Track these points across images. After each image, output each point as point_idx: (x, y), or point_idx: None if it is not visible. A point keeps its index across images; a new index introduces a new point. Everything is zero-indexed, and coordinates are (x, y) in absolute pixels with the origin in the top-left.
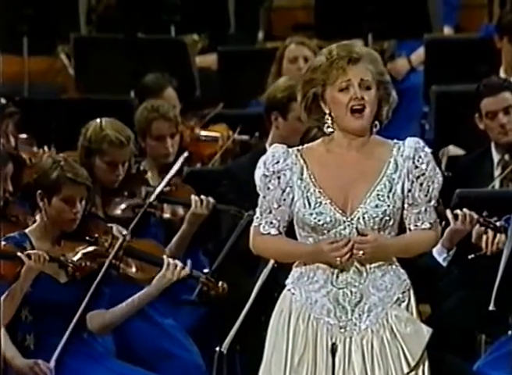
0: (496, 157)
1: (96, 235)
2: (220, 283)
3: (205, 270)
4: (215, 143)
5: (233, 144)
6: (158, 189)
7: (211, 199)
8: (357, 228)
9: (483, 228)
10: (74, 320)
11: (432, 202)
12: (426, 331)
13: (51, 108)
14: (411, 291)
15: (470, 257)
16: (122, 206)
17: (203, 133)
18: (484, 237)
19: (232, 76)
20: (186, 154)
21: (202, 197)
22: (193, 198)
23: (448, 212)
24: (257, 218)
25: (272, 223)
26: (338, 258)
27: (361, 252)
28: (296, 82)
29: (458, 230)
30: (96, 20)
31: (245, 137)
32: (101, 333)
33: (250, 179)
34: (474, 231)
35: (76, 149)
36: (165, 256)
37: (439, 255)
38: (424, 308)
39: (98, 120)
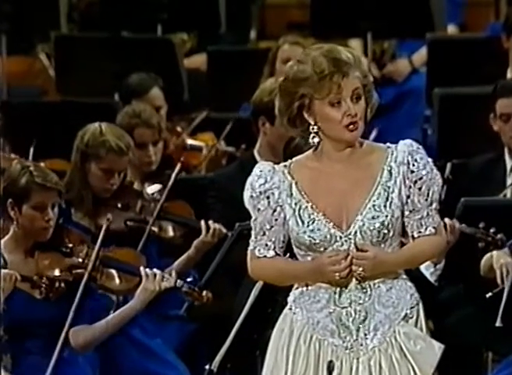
0: (509, 163)
1: (71, 245)
2: (204, 292)
3: (188, 279)
4: (200, 152)
5: (219, 155)
6: (159, 204)
7: (222, 228)
8: (355, 243)
9: (483, 244)
10: (61, 339)
11: (434, 205)
12: (438, 348)
13: (31, 112)
14: (420, 306)
15: (488, 296)
16: (115, 218)
17: (189, 141)
18: (498, 272)
19: (222, 78)
20: (178, 167)
21: (215, 225)
22: (203, 224)
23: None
24: (252, 241)
25: (266, 245)
26: (337, 274)
27: (360, 269)
28: None
29: None
30: (78, 18)
31: (231, 149)
32: (86, 350)
33: (238, 188)
34: (482, 264)
35: (56, 156)
36: (141, 267)
37: (426, 269)
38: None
39: (97, 124)
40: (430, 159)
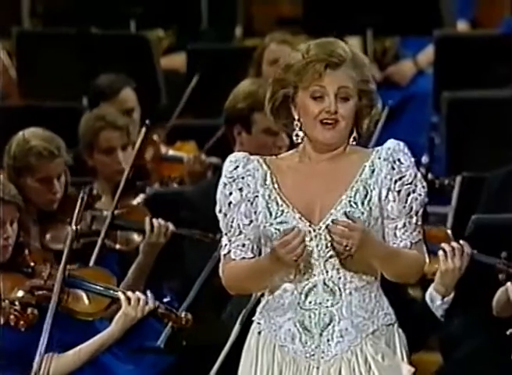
0: None
1: (32, 264)
2: (183, 314)
3: (165, 299)
4: (180, 164)
5: (202, 167)
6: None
7: (170, 225)
8: (345, 212)
9: (505, 276)
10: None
11: (414, 219)
12: (407, 371)
13: None
14: (395, 328)
15: (508, 333)
16: (64, 236)
17: (167, 151)
18: None
19: (203, 79)
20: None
21: (160, 221)
22: (147, 222)
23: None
24: (226, 245)
25: (244, 245)
26: (292, 255)
27: (350, 242)
28: (259, 87)
29: (448, 270)
30: (42, 12)
31: (215, 160)
32: None
33: (212, 206)
34: (494, 301)
35: None
36: (120, 293)
37: (432, 301)
38: (435, 358)
39: (21, 132)
40: (414, 164)
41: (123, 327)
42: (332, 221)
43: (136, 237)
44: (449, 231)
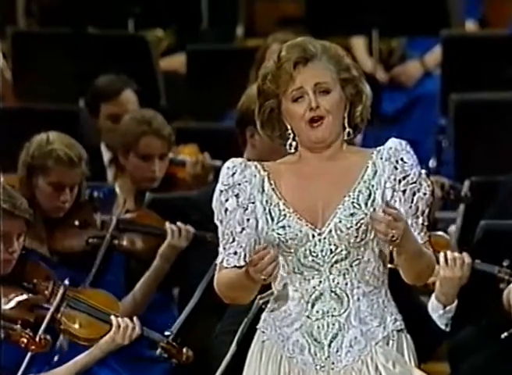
0: None
1: (35, 281)
2: (184, 349)
3: (166, 333)
4: (182, 167)
5: (204, 170)
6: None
7: (190, 228)
8: (386, 202)
9: (506, 285)
10: None
11: (420, 219)
12: None
13: None
14: (404, 335)
15: (503, 336)
16: (74, 238)
17: (170, 155)
18: None
19: (204, 81)
20: None
21: (180, 225)
22: (169, 226)
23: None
24: (221, 253)
25: (235, 253)
26: (259, 275)
27: (394, 231)
28: None
29: (447, 278)
30: (37, 11)
31: (218, 163)
32: None
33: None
34: (504, 298)
35: (13, 170)
36: (112, 317)
37: (434, 310)
38: (443, 367)
39: (45, 134)
40: (417, 162)
41: (108, 351)
42: (384, 210)
43: (139, 241)
44: (448, 238)
